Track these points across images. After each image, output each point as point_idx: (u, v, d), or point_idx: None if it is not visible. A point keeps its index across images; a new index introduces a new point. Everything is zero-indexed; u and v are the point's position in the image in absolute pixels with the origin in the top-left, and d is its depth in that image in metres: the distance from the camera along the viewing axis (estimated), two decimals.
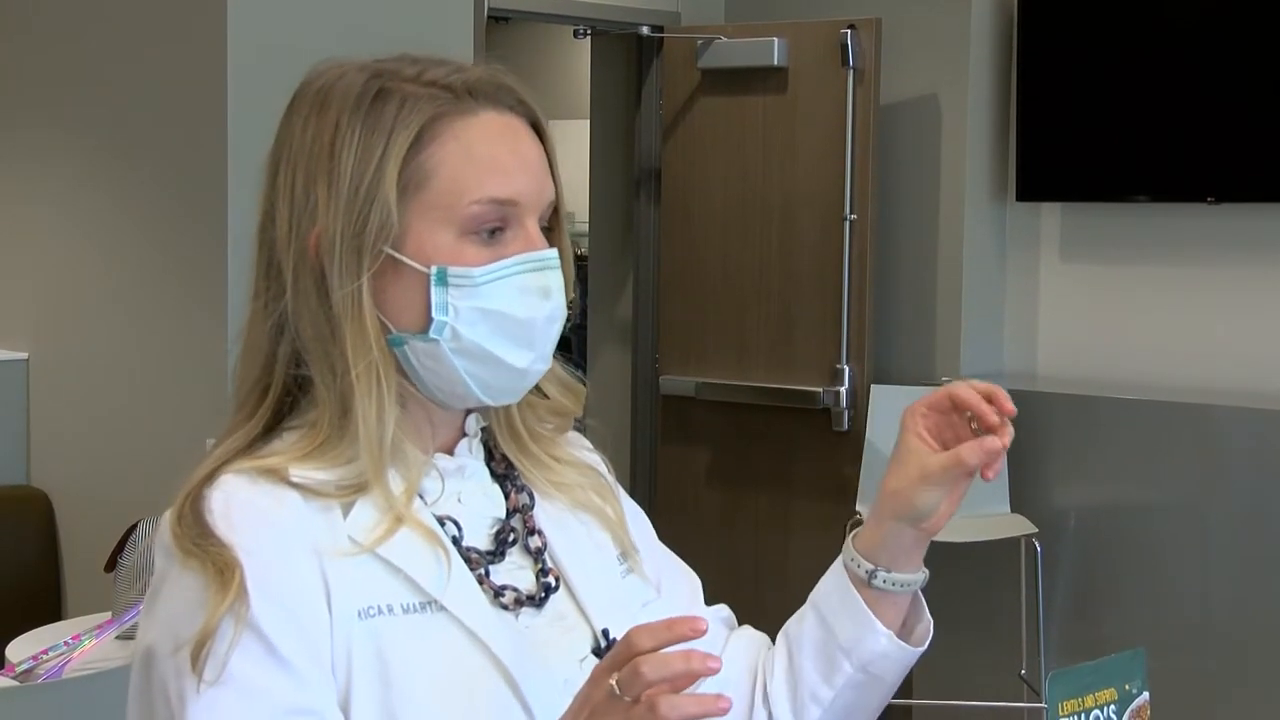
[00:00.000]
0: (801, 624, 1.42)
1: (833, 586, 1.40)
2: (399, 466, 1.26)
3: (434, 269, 1.24)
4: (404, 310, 1.25)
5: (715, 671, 1.06)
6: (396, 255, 1.23)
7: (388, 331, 1.25)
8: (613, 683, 1.07)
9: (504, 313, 1.25)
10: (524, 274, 1.25)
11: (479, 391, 1.27)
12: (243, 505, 1.20)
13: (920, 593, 1.40)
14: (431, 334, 1.24)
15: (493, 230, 1.25)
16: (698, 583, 1.48)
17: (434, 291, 1.23)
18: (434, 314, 1.24)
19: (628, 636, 1.08)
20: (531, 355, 1.27)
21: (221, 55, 4.18)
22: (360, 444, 1.23)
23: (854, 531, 1.41)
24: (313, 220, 1.23)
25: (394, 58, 1.29)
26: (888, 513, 1.36)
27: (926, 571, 1.39)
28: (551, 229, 1.31)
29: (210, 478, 1.23)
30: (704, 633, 1.07)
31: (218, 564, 1.16)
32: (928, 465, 1.33)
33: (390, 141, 1.23)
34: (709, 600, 1.49)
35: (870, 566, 1.37)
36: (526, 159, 1.27)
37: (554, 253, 1.28)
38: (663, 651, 1.06)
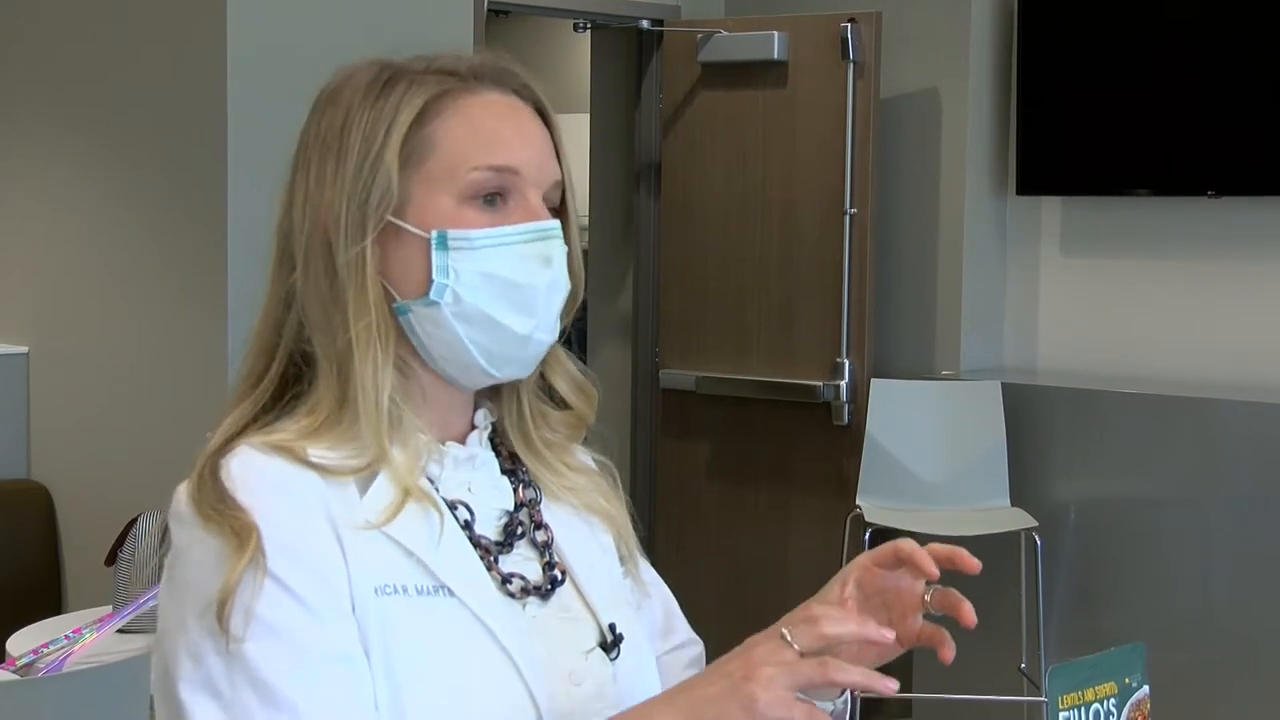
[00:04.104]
0: None
1: None
2: (401, 440, 1.27)
3: (434, 233, 1.26)
4: (407, 277, 1.27)
5: (890, 640, 1.17)
6: (398, 222, 1.26)
7: (393, 300, 1.27)
8: (785, 631, 1.14)
9: (504, 277, 1.27)
10: (524, 242, 1.28)
11: (482, 360, 1.28)
12: (260, 471, 1.22)
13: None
14: (432, 296, 1.26)
15: (492, 197, 1.28)
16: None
17: (435, 255, 1.26)
18: (434, 276, 1.26)
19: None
20: (533, 322, 1.28)
21: (222, 54, 4.18)
22: (359, 410, 1.24)
23: None
24: (321, 194, 1.27)
25: (408, 57, 1.33)
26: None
27: (834, 704, 1.30)
28: (562, 216, 1.32)
29: (224, 449, 1.24)
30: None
31: (234, 528, 1.17)
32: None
33: (396, 117, 1.27)
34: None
35: None
36: (528, 134, 1.30)
37: (556, 224, 1.30)
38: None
